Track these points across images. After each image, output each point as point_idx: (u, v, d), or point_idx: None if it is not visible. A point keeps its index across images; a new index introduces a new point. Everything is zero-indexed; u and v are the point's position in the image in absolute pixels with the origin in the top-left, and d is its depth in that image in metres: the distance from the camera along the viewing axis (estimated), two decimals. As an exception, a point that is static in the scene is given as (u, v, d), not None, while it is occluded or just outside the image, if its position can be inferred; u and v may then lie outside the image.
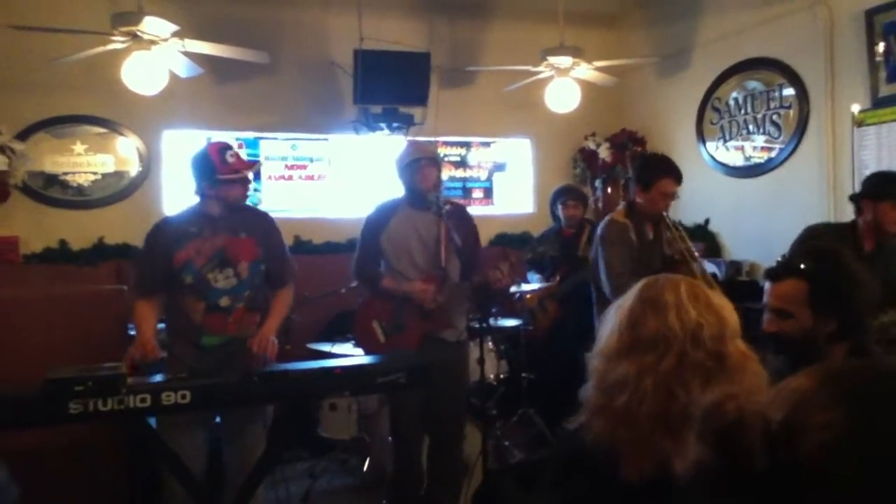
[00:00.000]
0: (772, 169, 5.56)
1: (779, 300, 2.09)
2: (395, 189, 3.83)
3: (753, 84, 5.75)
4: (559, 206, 5.28)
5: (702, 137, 6.23)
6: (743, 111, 5.85)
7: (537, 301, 5.09)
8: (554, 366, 4.83)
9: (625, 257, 3.69)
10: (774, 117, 5.57)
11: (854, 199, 3.69)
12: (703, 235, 6.13)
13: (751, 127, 5.78)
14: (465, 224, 3.74)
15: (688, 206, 6.33)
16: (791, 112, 5.42)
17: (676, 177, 3.80)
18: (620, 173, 6.69)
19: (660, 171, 3.79)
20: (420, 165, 3.63)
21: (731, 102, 5.94)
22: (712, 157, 6.14)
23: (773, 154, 5.58)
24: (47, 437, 2.83)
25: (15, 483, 1.62)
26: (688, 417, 1.39)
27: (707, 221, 6.17)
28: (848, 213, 4.75)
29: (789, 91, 5.42)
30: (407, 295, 3.57)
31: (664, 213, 3.85)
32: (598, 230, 3.90)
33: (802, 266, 2.09)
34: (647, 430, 1.40)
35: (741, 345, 1.47)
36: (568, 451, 1.56)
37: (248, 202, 3.47)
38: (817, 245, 3.32)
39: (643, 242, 3.79)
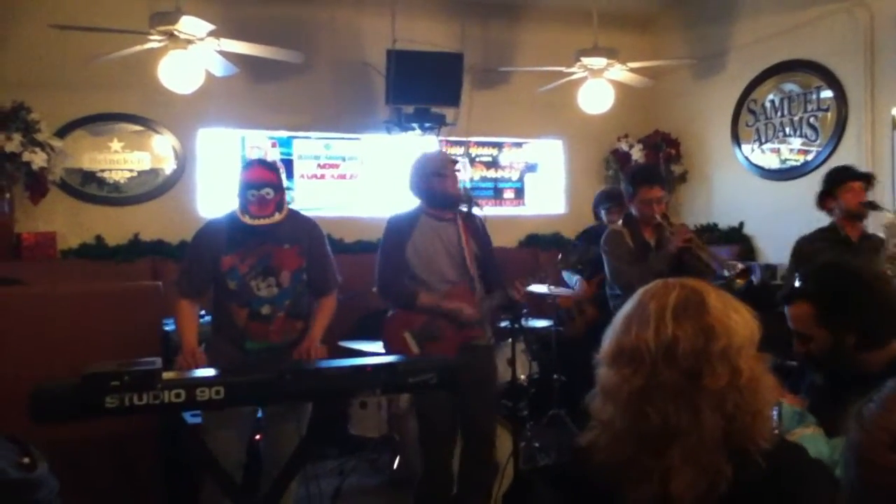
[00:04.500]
0: (809, 172, 5.48)
1: (794, 323, 2.07)
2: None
3: (790, 86, 5.68)
4: (602, 211, 5.23)
5: (737, 140, 6.17)
6: (779, 113, 5.77)
7: (573, 303, 5.05)
8: (585, 368, 4.79)
9: (622, 259, 3.88)
10: (812, 120, 5.49)
11: (819, 203, 4.01)
12: (739, 238, 6.07)
13: (787, 129, 5.71)
14: (482, 233, 3.72)
15: (723, 209, 6.27)
16: (829, 114, 5.34)
17: (655, 183, 3.94)
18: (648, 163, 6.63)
19: (638, 181, 3.96)
20: (449, 171, 3.64)
21: (768, 104, 5.87)
22: (748, 159, 6.07)
23: (809, 157, 5.51)
24: (86, 430, 2.86)
25: (55, 476, 1.65)
26: (671, 436, 1.34)
27: (742, 224, 6.10)
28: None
29: (827, 93, 5.35)
30: (450, 313, 3.56)
31: (659, 218, 3.91)
32: (607, 239, 4.05)
33: (804, 287, 2.06)
34: (634, 449, 1.36)
35: (739, 361, 1.34)
36: (578, 470, 1.52)
37: (286, 201, 3.45)
38: (819, 263, 3.41)
39: (640, 247, 3.91)
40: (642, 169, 4.12)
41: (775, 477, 1.34)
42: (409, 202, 3.80)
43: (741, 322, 1.39)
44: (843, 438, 1.63)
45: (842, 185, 3.90)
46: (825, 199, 3.98)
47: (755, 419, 1.35)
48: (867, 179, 3.96)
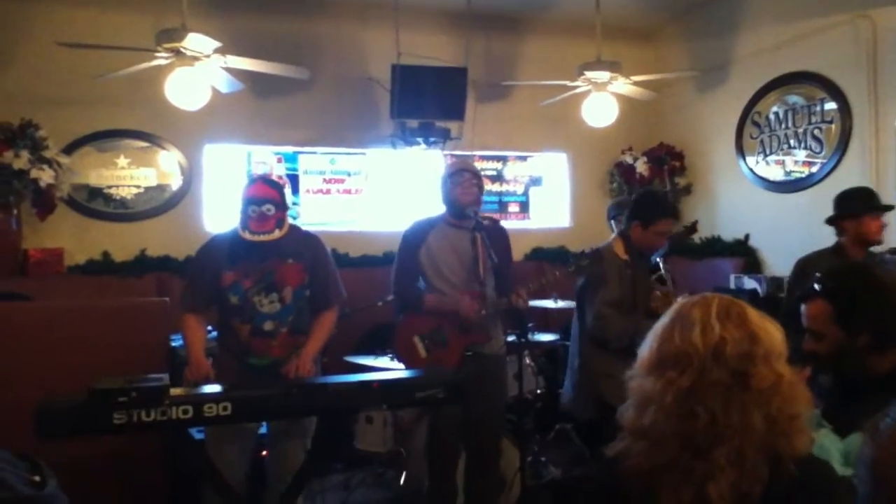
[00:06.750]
0: (814, 184, 5.48)
1: (809, 321, 2.09)
2: (431, 204, 3.85)
3: (794, 98, 5.69)
4: (612, 223, 5.21)
5: (741, 152, 6.17)
6: (784, 125, 5.78)
7: None
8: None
9: (616, 300, 3.50)
10: (816, 132, 5.49)
11: (832, 221, 3.83)
12: (743, 251, 6.06)
13: (792, 141, 5.71)
14: (501, 241, 3.73)
15: (727, 221, 6.27)
16: (833, 126, 5.35)
17: (675, 216, 3.87)
18: (658, 188, 6.64)
19: (662, 212, 3.66)
20: (463, 178, 3.65)
21: (772, 117, 5.88)
22: (752, 171, 6.07)
23: (814, 169, 5.50)
24: (94, 447, 2.86)
25: (63, 492, 1.65)
26: (716, 437, 1.38)
27: (747, 237, 6.08)
28: (891, 227, 4.67)
29: (831, 105, 5.35)
30: (451, 310, 3.57)
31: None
32: (598, 263, 3.61)
33: (823, 286, 2.07)
34: (676, 451, 1.39)
35: (779, 366, 1.42)
36: (605, 478, 1.54)
37: (290, 217, 3.47)
38: (841, 263, 3.36)
39: (636, 281, 3.61)
40: (666, 198, 3.87)
41: (804, 488, 1.37)
42: (415, 216, 3.88)
43: (775, 332, 1.46)
44: (854, 438, 1.64)
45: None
46: (845, 223, 3.77)
47: (793, 423, 1.40)
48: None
